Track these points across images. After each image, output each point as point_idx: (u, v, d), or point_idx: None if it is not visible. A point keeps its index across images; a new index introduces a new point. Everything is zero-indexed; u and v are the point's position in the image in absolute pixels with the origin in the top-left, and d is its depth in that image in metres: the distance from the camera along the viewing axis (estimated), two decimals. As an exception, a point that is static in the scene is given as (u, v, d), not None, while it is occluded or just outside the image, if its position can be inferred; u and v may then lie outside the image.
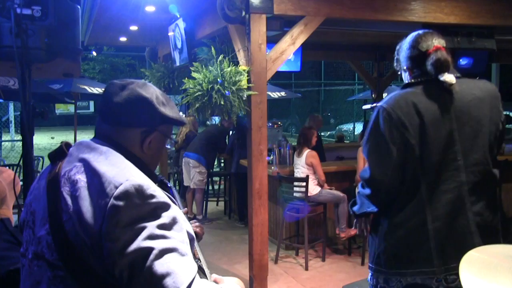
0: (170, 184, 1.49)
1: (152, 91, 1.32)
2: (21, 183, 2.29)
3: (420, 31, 2.01)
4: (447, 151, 1.87)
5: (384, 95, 8.81)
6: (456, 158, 1.87)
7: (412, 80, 1.98)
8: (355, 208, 2.11)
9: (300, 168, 5.16)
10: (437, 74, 1.88)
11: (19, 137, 2.57)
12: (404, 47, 2.03)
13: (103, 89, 1.37)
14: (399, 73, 2.13)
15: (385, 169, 1.88)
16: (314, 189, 5.07)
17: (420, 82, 1.94)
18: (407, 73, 2.03)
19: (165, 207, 1.15)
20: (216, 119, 9.68)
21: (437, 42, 1.95)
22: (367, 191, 1.97)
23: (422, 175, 1.87)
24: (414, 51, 1.97)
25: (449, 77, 1.87)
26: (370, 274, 2.04)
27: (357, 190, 2.12)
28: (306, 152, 5.13)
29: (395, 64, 2.13)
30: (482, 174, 1.89)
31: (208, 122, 8.73)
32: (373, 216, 2.06)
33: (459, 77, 1.93)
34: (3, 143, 11.66)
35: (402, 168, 1.88)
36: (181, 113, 7.87)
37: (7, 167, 3.84)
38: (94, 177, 1.16)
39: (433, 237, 1.85)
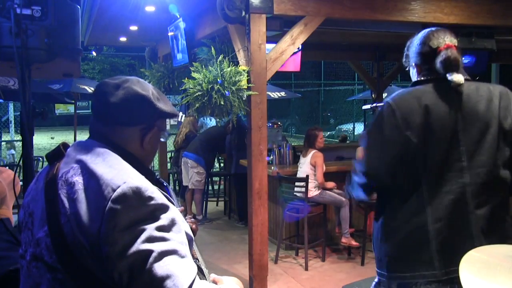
0: (166, 183, 1.48)
1: (148, 88, 1.31)
2: (21, 183, 2.29)
3: (433, 28, 1.97)
4: (451, 151, 1.82)
5: (384, 95, 8.81)
6: (460, 158, 1.82)
7: (422, 78, 1.94)
8: (352, 191, 2.04)
9: (303, 167, 5.14)
10: (446, 72, 1.85)
11: (19, 137, 2.57)
12: (415, 43, 1.99)
13: (94, 89, 1.35)
14: (407, 69, 2.08)
15: (380, 164, 1.85)
16: (314, 190, 5.06)
17: (429, 80, 1.91)
18: (415, 69, 1.99)
19: (163, 208, 1.14)
20: (211, 121, 9.59)
21: (449, 40, 1.90)
22: (361, 180, 1.93)
23: (424, 175, 1.82)
24: (424, 47, 1.92)
25: (457, 77, 1.82)
26: (376, 279, 1.99)
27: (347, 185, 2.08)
28: (313, 152, 5.10)
29: (404, 60, 2.08)
30: (488, 176, 1.83)
31: (199, 123, 8.57)
32: (374, 220, 2.02)
33: (468, 79, 1.89)
34: (3, 143, 11.66)
35: (398, 165, 1.83)
36: (180, 113, 7.81)
37: (7, 167, 3.84)
38: (91, 179, 1.15)
39: (434, 239, 1.79)
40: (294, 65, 6.73)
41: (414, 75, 2.01)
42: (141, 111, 1.28)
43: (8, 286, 1.80)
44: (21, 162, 1.97)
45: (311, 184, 5.04)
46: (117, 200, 1.09)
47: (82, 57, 2.32)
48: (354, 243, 5.10)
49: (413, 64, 1.99)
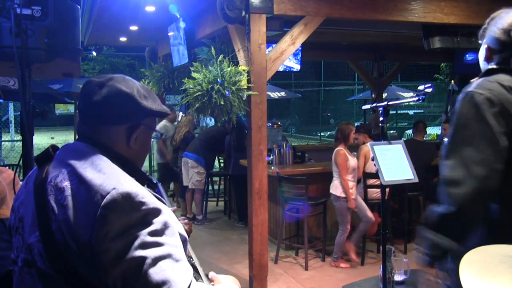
0: (156, 181, 1.46)
1: (132, 85, 1.27)
2: (21, 183, 2.30)
3: None
4: None
5: (384, 95, 8.82)
6: None
7: (495, 67, 1.72)
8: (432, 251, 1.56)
9: (332, 166, 4.96)
10: None
11: (19, 137, 2.57)
12: (497, 24, 1.73)
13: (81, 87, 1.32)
14: (480, 41, 1.85)
15: (493, 163, 1.49)
16: (338, 189, 4.83)
17: (503, 70, 1.69)
18: (485, 52, 1.78)
19: (155, 212, 1.12)
20: (211, 121, 9.58)
21: None
22: (451, 208, 1.50)
23: None
24: (505, 36, 1.69)
25: None
26: None
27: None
28: (336, 149, 4.89)
29: (480, 32, 1.83)
30: None
31: (203, 124, 8.60)
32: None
33: None
34: (3, 143, 11.66)
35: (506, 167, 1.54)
36: (180, 113, 7.79)
37: (7, 167, 3.84)
38: (80, 184, 1.12)
39: None
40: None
41: (481, 56, 1.82)
42: (125, 109, 1.24)
43: (9, 285, 1.80)
44: (21, 162, 1.98)
45: (337, 181, 4.86)
46: (108, 206, 1.07)
47: (82, 57, 2.32)
48: (343, 265, 4.97)
49: (486, 46, 1.78)
